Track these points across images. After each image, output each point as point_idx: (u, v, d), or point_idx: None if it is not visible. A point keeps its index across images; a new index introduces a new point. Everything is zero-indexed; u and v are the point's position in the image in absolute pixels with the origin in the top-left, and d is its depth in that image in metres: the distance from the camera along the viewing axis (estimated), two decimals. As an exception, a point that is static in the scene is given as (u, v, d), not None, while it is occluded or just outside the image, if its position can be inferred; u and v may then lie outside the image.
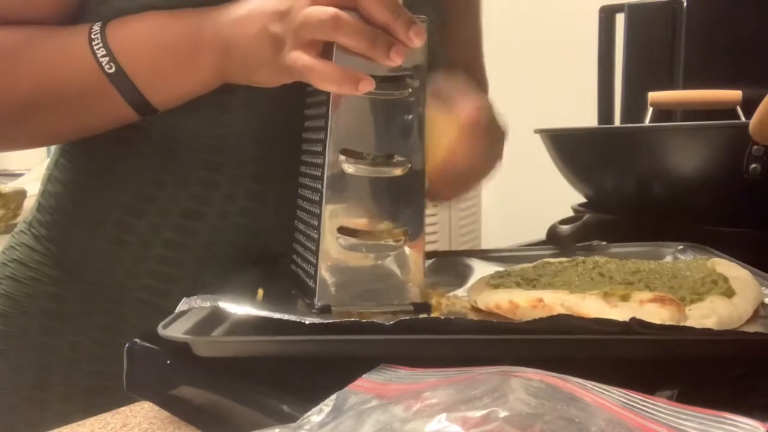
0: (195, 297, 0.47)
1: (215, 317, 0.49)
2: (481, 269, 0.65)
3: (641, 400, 0.31)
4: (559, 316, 0.41)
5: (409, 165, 0.51)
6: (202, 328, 0.46)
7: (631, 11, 1.26)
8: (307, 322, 0.42)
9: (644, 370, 0.40)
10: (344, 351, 0.42)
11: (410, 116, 0.51)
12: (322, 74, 0.48)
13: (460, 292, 0.58)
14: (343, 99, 0.49)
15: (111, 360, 0.53)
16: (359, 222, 0.50)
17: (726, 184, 0.73)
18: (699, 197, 0.75)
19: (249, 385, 0.43)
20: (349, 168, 0.50)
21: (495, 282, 0.54)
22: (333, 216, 0.50)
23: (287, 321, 0.43)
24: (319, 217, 0.50)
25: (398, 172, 0.51)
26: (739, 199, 0.73)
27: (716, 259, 0.56)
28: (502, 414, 0.27)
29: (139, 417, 0.47)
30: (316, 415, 0.32)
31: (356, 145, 0.50)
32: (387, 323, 0.41)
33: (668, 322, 0.41)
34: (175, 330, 0.44)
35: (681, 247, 0.66)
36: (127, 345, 0.49)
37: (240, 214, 0.62)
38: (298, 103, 0.58)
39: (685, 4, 1.20)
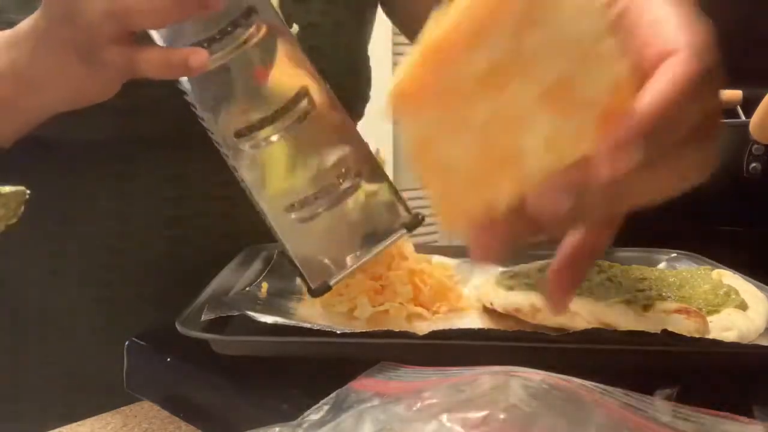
0: (219, 306, 0.46)
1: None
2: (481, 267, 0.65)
3: (641, 400, 0.31)
4: (592, 329, 0.41)
5: (308, 97, 0.45)
6: (217, 324, 0.46)
7: (631, 11, 1.26)
8: (338, 332, 0.41)
9: (644, 370, 0.40)
10: (372, 353, 0.40)
11: (280, 52, 0.45)
12: (147, 64, 0.42)
13: (465, 290, 0.58)
14: (194, 82, 0.44)
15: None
16: (301, 190, 0.46)
17: (726, 184, 0.72)
18: (699, 196, 0.75)
19: (249, 384, 0.43)
20: (249, 148, 0.45)
21: (506, 283, 0.53)
22: (269, 199, 0.46)
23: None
24: (257, 205, 0.46)
25: (302, 112, 0.45)
26: (739, 198, 0.73)
27: (721, 270, 0.56)
28: (503, 415, 0.27)
29: (139, 417, 0.47)
30: (315, 413, 0.32)
31: (243, 118, 0.45)
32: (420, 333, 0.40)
33: (694, 335, 0.42)
34: (192, 326, 0.44)
35: (674, 254, 0.66)
36: (126, 343, 0.49)
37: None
38: None
39: (685, 3, 1.20)
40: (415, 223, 0.47)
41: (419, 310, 0.51)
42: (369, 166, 0.46)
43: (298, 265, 0.47)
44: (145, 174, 0.61)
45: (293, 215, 0.46)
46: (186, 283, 0.52)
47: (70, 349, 0.64)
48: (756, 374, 0.40)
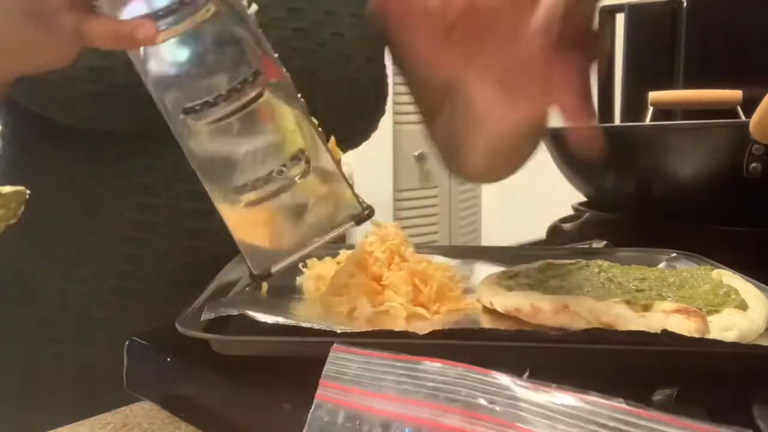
0: (219, 305, 0.46)
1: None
2: (481, 267, 0.65)
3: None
4: (592, 329, 0.41)
5: (262, 78, 0.44)
6: (217, 323, 0.45)
7: (631, 11, 1.26)
8: (338, 332, 0.41)
9: (644, 370, 0.41)
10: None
11: (232, 28, 0.43)
12: (95, 33, 0.42)
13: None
14: (147, 54, 0.43)
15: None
16: (248, 174, 0.45)
17: (726, 184, 0.73)
18: (699, 196, 0.75)
19: (249, 384, 0.43)
20: (198, 126, 0.44)
21: (506, 283, 0.53)
22: (215, 182, 0.45)
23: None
24: (205, 187, 0.46)
25: (252, 95, 0.44)
26: (739, 198, 0.73)
27: (721, 270, 0.56)
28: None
29: (139, 417, 0.47)
30: None
31: (193, 95, 0.44)
32: (421, 332, 0.40)
33: (694, 335, 0.41)
34: (192, 326, 0.44)
35: (674, 254, 0.66)
36: (127, 343, 0.49)
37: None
38: None
39: (685, 4, 1.20)
40: (364, 216, 0.46)
41: (419, 310, 0.51)
42: (320, 155, 0.45)
43: (241, 250, 0.46)
44: (167, 168, 0.62)
45: (239, 199, 0.45)
46: (206, 277, 0.53)
47: (85, 343, 0.64)
48: (756, 374, 0.40)
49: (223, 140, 0.45)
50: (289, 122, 0.45)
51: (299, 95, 0.45)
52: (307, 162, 0.45)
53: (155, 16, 0.42)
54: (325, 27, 0.65)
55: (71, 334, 0.65)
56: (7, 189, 0.48)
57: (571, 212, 0.94)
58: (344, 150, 0.75)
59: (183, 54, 0.44)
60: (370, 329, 0.42)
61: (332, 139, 0.47)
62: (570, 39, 0.40)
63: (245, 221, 0.45)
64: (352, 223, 0.46)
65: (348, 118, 0.67)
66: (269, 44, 0.44)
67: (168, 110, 0.45)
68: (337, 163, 0.46)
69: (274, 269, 0.46)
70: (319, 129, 0.45)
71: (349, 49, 0.65)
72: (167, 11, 0.42)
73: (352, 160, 0.86)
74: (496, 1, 0.42)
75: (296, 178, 0.45)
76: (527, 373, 0.33)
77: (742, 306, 0.47)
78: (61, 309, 0.65)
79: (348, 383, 0.32)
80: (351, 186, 0.46)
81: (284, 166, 0.45)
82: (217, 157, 0.45)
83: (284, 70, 0.45)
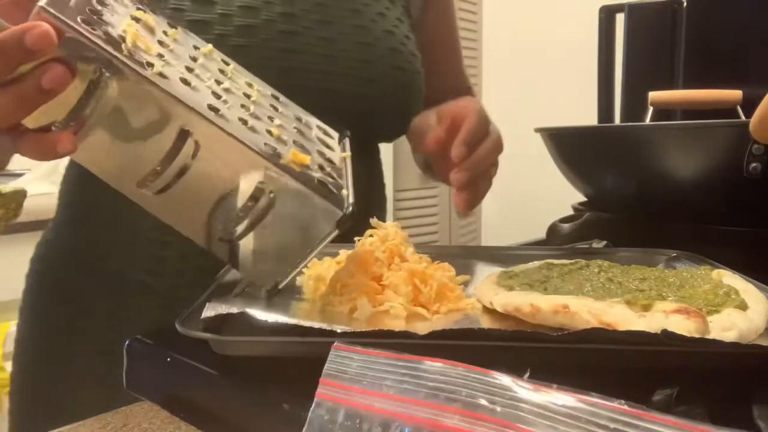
0: (220, 303, 0.47)
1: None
2: (481, 267, 0.65)
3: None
4: (592, 329, 0.41)
5: (191, 135, 0.44)
6: (217, 323, 0.46)
7: (631, 11, 1.26)
8: (339, 331, 0.41)
9: (644, 370, 0.41)
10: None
11: (150, 100, 0.43)
12: (23, 150, 0.44)
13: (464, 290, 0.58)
14: (79, 155, 0.45)
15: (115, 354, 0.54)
16: (219, 218, 0.47)
17: (726, 183, 0.72)
18: (699, 196, 0.75)
19: (249, 384, 0.43)
20: (154, 195, 0.46)
21: (506, 283, 0.53)
22: (195, 233, 0.48)
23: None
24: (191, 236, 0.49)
25: (191, 151, 0.45)
26: (739, 198, 0.73)
27: (721, 270, 0.56)
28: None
29: (139, 417, 0.47)
30: None
31: (136, 171, 0.45)
32: (420, 333, 0.41)
33: (694, 335, 0.41)
34: (192, 326, 0.44)
35: (674, 254, 0.66)
36: (127, 342, 0.49)
37: None
38: None
39: (685, 4, 1.20)
40: (346, 218, 0.47)
41: (419, 310, 0.51)
42: (277, 177, 0.46)
43: (243, 276, 0.50)
44: None
45: (221, 240, 0.48)
46: None
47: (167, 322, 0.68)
48: (756, 374, 0.40)
49: (184, 200, 0.47)
50: (235, 165, 0.46)
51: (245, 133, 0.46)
52: (270, 192, 0.46)
53: (74, 113, 0.43)
54: (379, 25, 0.78)
55: (155, 314, 0.68)
56: (8, 189, 0.49)
57: (571, 212, 0.94)
58: (389, 140, 0.86)
59: (109, 139, 0.45)
60: (370, 329, 0.42)
61: (291, 151, 0.48)
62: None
63: (233, 257, 0.49)
64: (336, 231, 0.48)
65: (399, 105, 0.79)
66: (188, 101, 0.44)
67: (123, 191, 0.46)
68: (298, 176, 0.47)
69: (280, 284, 0.49)
70: (263, 155, 0.46)
71: (397, 44, 0.79)
72: (82, 105, 0.43)
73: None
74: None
75: (265, 212, 0.47)
76: (528, 374, 0.33)
77: (742, 306, 0.47)
78: (149, 290, 0.69)
79: (348, 382, 0.32)
80: (321, 196, 0.47)
81: (248, 203, 0.47)
82: (185, 211, 0.48)
83: (213, 116, 0.45)
